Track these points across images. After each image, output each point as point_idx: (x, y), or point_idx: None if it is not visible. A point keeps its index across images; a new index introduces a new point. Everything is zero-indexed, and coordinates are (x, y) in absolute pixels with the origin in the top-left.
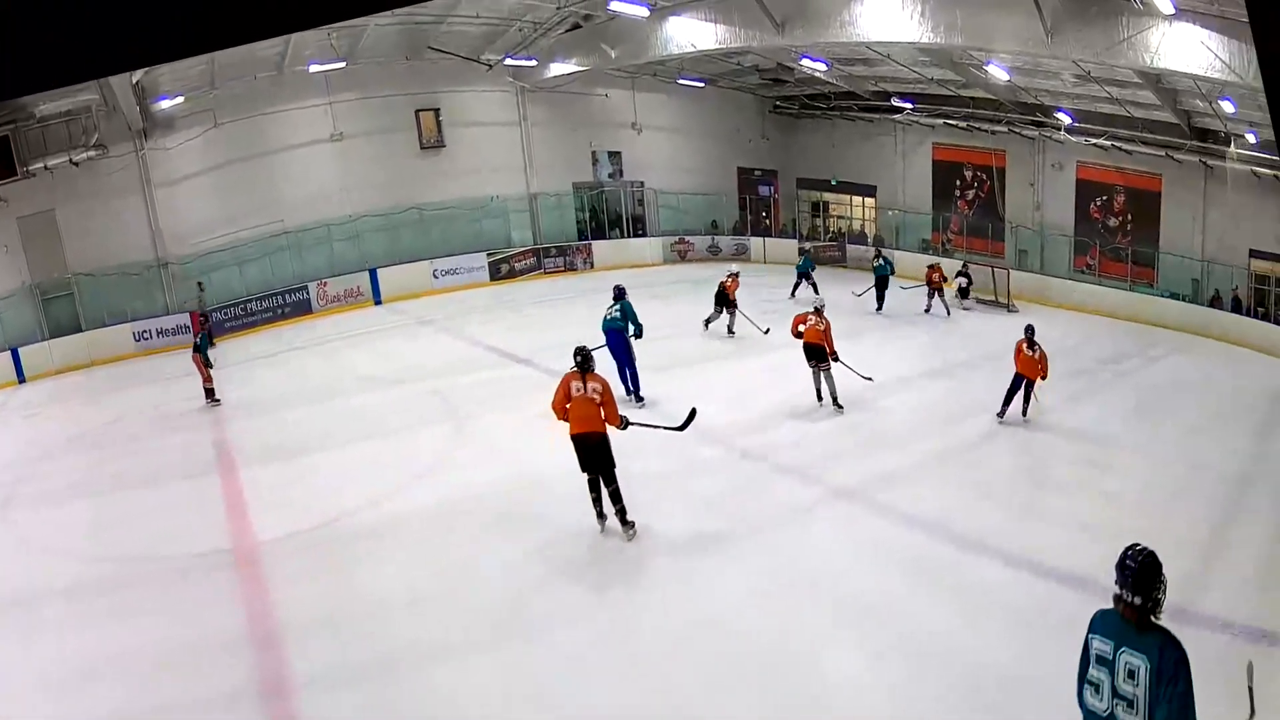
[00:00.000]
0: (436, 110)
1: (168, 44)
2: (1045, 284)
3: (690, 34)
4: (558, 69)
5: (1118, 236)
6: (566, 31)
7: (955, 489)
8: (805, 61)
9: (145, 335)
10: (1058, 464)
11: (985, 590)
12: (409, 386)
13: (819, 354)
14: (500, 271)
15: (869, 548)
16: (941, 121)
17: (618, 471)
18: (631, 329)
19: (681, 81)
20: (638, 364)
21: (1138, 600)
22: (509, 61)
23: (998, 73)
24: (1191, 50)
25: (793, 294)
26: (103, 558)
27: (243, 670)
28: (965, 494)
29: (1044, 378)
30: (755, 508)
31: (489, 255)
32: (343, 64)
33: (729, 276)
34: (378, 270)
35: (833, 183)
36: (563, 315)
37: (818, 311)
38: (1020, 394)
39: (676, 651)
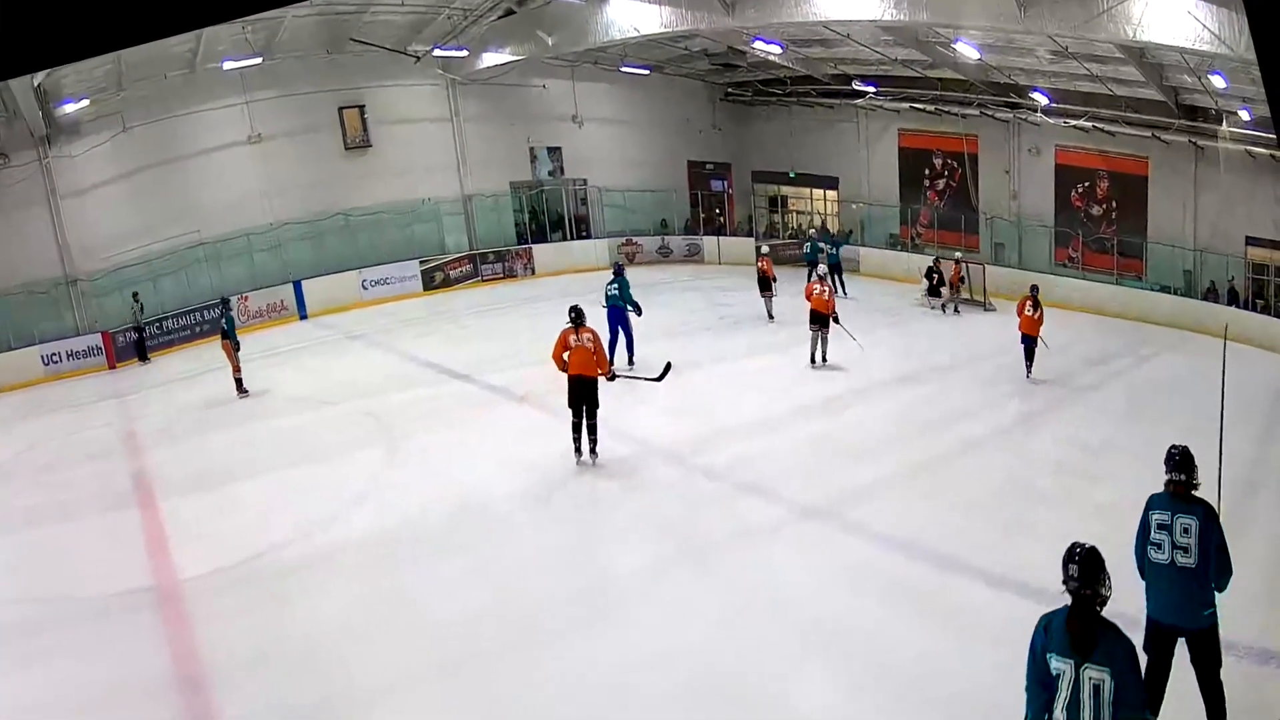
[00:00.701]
0: (361, 107)
1: (69, 43)
2: (1024, 280)
3: (633, 17)
4: (491, 59)
5: (1102, 226)
6: (499, 18)
7: (933, 504)
8: (758, 44)
9: (55, 358)
10: (1044, 474)
11: (968, 613)
12: (339, 407)
13: (823, 320)
14: (434, 280)
15: (841, 570)
16: (907, 106)
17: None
18: (630, 306)
19: (625, 69)
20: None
21: (1183, 478)
22: (438, 52)
23: (967, 51)
24: (1177, 21)
25: (843, 291)
26: (15, 599)
27: (168, 716)
28: (944, 509)
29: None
30: (717, 530)
31: (421, 263)
32: (259, 60)
33: (760, 258)
34: (302, 282)
35: (791, 175)
36: (502, 326)
37: (821, 280)
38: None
39: (636, 684)
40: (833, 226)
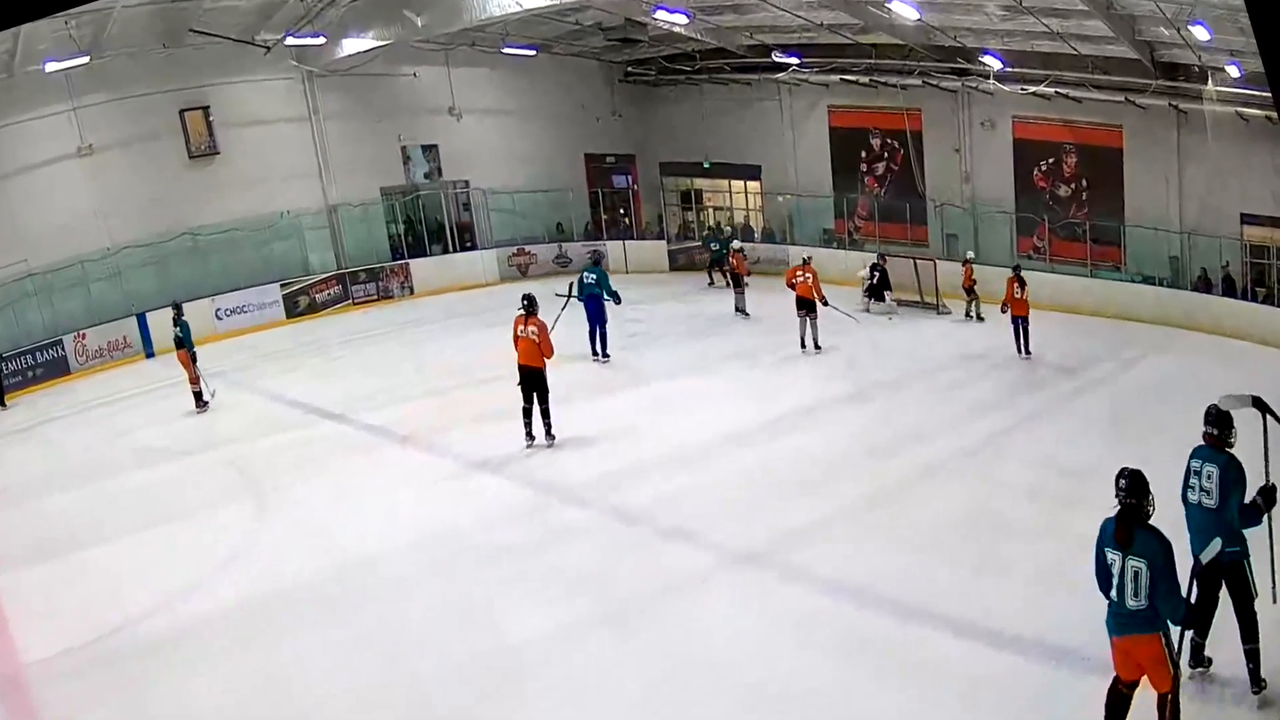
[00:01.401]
0: (206, 109)
1: None
2: (983, 275)
3: None
4: (352, 46)
5: (1071, 209)
6: None
7: (889, 543)
8: (660, 14)
9: None
10: (1017, 503)
11: (934, 669)
12: (198, 457)
13: (809, 305)
14: (298, 306)
15: (784, 624)
16: (837, 79)
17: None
18: (609, 296)
19: (507, 51)
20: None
21: (1215, 432)
22: (291, 41)
23: (904, 10)
24: None
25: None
26: None
27: None
28: (902, 548)
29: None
30: (638, 582)
31: (283, 286)
32: (86, 59)
33: (732, 254)
34: (147, 315)
35: (705, 166)
36: (379, 356)
37: (804, 265)
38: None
39: None
40: (756, 223)
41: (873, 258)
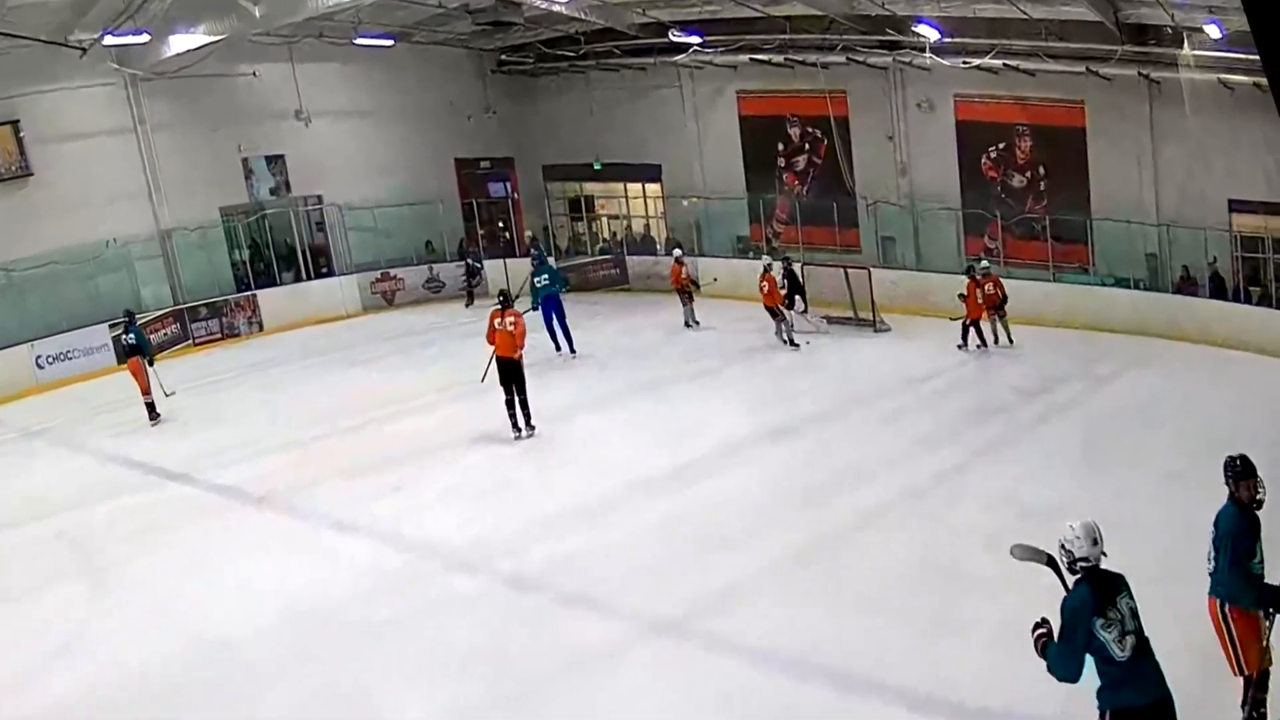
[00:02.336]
0: (15, 123)
1: None
2: (925, 284)
3: None
4: (181, 43)
5: (1027, 202)
6: None
7: (826, 603)
8: None
9: None
10: (973, 551)
11: None
12: (22, 530)
13: (773, 311)
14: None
15: (708, 702)
16: (747, 59)
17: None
18: (562, 286)
19: (361, 42)
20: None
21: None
22: (110, 40)
23: None
24: None
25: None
26: None
27: None
28: (842, 609)
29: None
30: (537, 659)
31: (112, 327)
32: None
33: (675, 261)
34: None
35: (596, 167)
36: (227, 404)
37: (765, 273)
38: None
39: None
40: (658, 231)
41: (775, 263)
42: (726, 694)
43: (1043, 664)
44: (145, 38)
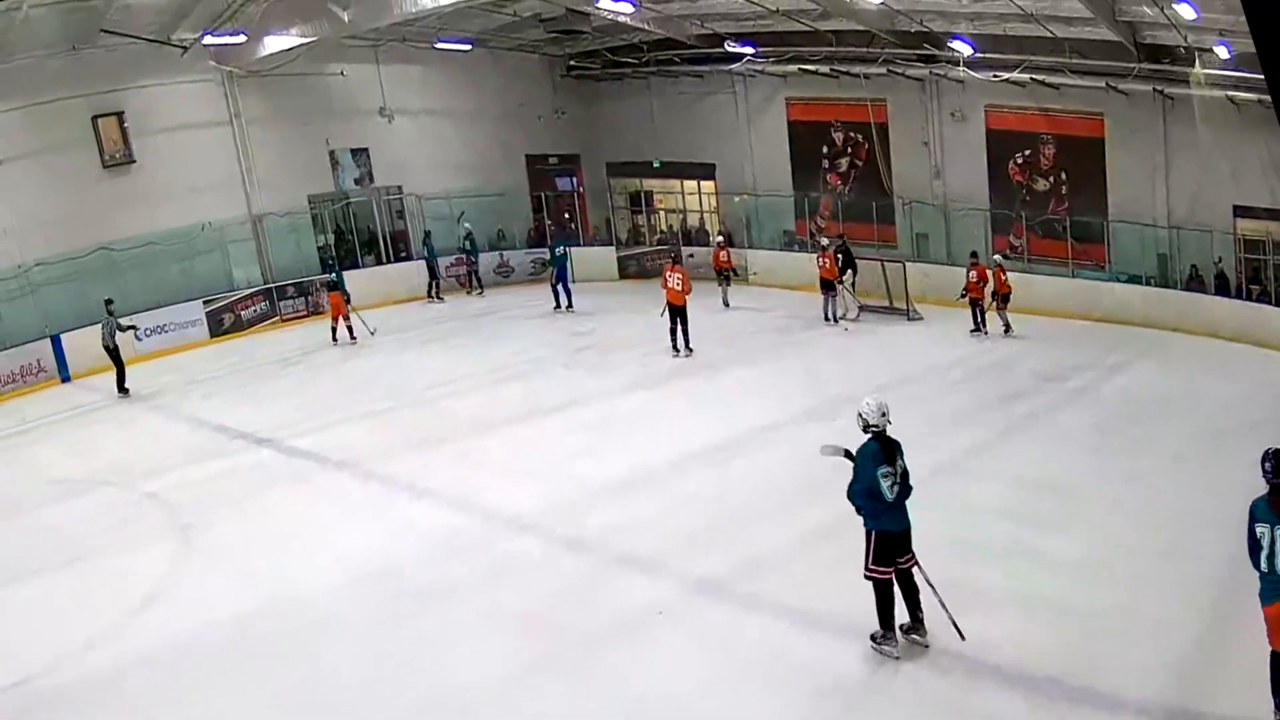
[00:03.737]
0: (120, 114)
1: None
2: (956, 278)
3: None
4: (275, 44)
5: (1050, 204)
6: None
7: (854, 570)
8: (604, 2)
9: None
10: (992, 526)
11: (910, 703)
12: (116, 490)
13: (830, 285)
14: (223, 324)
15: (748, 659)
16: (796, 69)
17: None
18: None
19: (441, 46)
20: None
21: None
22: (209, 40)
23: None
24: None
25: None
26: None
27: None
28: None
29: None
30: (590, 619)
31: (206, 303)
32: None
33: (717, 246)
34: (61, 336)
35: (655, 165)
36: (311, 375)
37: (824, 249)
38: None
39: None
40: (711, 225)
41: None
42: (763, 652)
43: (1052, 635)
44: (242, 38)
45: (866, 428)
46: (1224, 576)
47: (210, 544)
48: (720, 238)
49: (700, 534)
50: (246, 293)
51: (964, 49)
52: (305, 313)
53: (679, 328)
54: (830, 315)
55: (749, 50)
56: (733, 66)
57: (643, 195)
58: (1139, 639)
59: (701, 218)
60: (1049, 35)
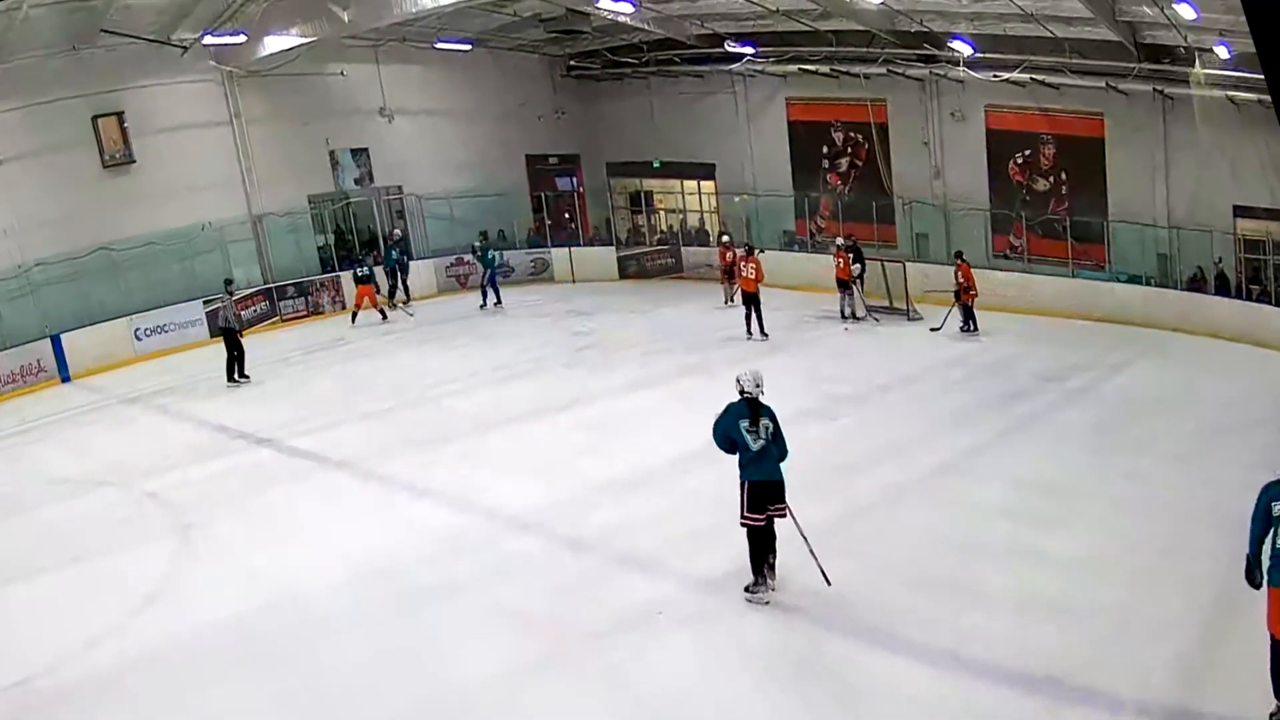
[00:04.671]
0: (120, 114)
1: None
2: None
3: None
4: (275, 44)
5: (1050, 204)
6: None
7: (854, 568)
8: (604, 2)
9: None
10: (992, 524)
11: (907, 701)
12: (116, 490)
13: (846, 284)
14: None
15: (743, 657)
16: (796, 69)
17: None
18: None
19: (441, 46)
20: None
21: None
22: (209, 40)
23: None
24: None
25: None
26: None
27: None
28: (867, 574)
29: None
30: (591, 617)
31: (206, 303)
32: None
33: (722, 245)
34: (61, 336)
35: (655, 165)
36: (311, 376)
37: (838, 249)
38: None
39: None
40: (711, 225)
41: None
42: (759, 646)
43: (1051, 634)
44: (242, 38)
45: (741, 392)
46: (1224, 575)
47: (211, 543)
48: (725, 237)
49: (701, 533)
50: (247, 293)
51: (964, 49)
52: (305, 313)
53: (753, 314)
54: (850, 313)
55: (749, 50)
56: (733, 66)
57: (643, 195)
58: (1139, 638)
59: (701, 218)
60: (1049, 35)
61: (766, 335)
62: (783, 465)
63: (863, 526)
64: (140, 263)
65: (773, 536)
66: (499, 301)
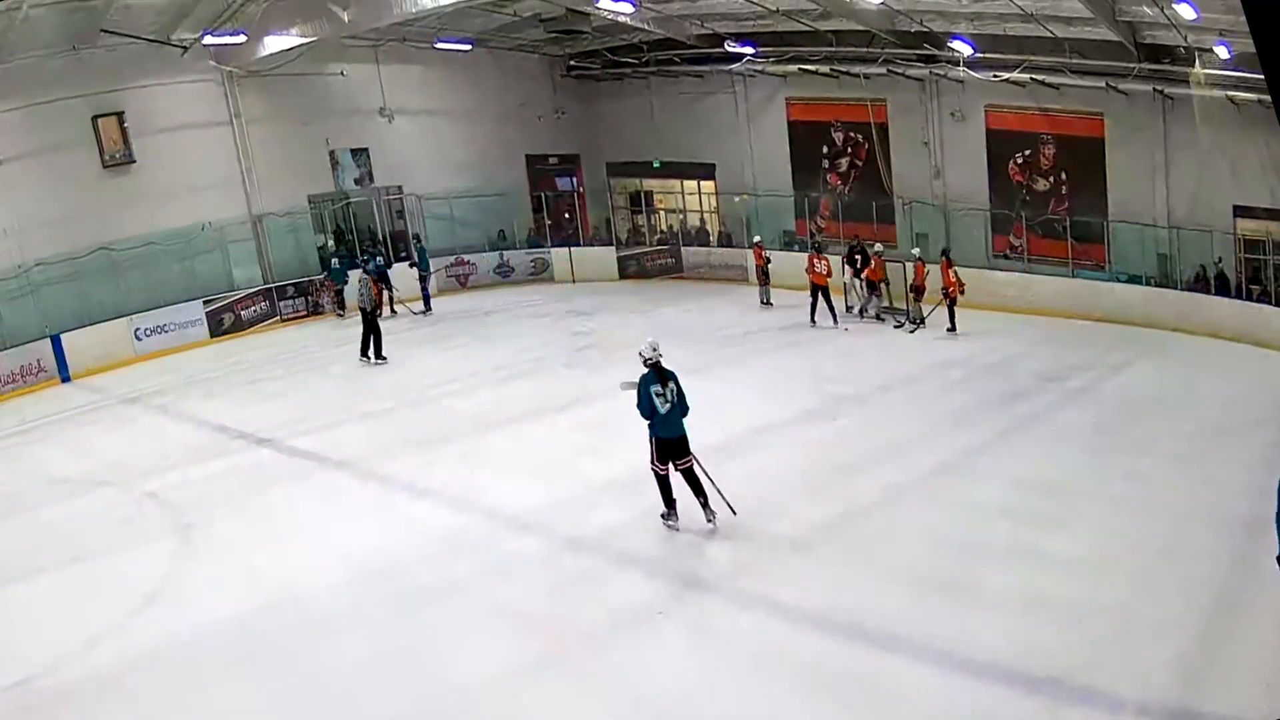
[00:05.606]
0: (120, 114)
1: None
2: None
3: None
4: (275, 44)
5: (1050, 204)
6: None
7: (854, 568)
8: (604, 2)
9: None
10: (993, 524)
11: (907, 701)
12: (116, 490)
13: (875, 285)
14: (223, 324)
15: (744, 657)
16: (796, 69)
17: None
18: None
19: (441, 46)
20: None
21: None
22: (209, 40)
23: None
24: None
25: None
26: None
27: None
28: (868, 574)
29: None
30: (591, 617)
31: (206, 303)
32: None
33: (756, 245)
34: (61, 336)
35: (655, 165)
36: (311, 377)
37: (879, 255)
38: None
39: None
40: (711, 225)
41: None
42: (762, 650)
43: (1052, 634)
44: (242, 38)
45: (645, 362)
46: (1224, 575)
47: (211, 543)
48: (758, 238)
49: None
50: (246, 293)
51: (964, 49)
52: (305, 313)
53: (818, 303)
54: (872, 313)
55: (749, 50)
56: (733, 66)
57: (643, 195)
58: (1139, 638)
59: (702, 218)
60: (1049, 35)
61: (837, 323)
62: (685, 420)
63: (863, 526)
64: (140, 263)
65: (696, 481)
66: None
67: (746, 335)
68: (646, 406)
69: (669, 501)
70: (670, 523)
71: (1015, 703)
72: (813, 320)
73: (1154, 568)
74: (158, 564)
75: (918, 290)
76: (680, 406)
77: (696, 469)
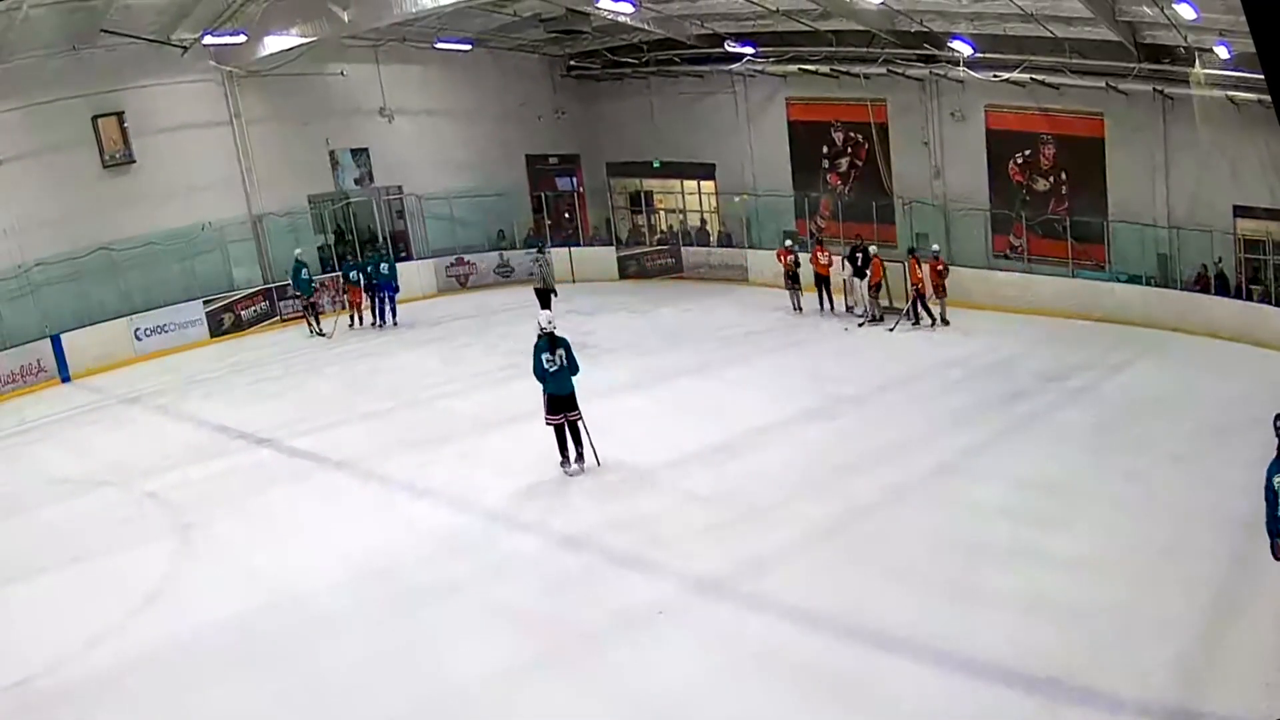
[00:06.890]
0: (120, 114)
1: None
2: (955, 277)
3: None
4: (275, 44)
5: (1050, 204)
6: None
7: (855, 569)
8: (604, 2)
9: None
10: (994, 525)
11: (908, 703)
12: (116, 490)
13: (878, 286)
14: (223, 324)
15: (745, 659)
16: (796, 69)
17: None
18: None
19: (441, 46)
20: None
21: None
22: (209, 40)
23: None
24: None
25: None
26: None
27: None
28: (869, 575)
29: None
30: (589, 617)
31: (206, 303)
32: None
33: (782, 250)
34: (61, 336)
35: (655, 165)
36: (310, 376)
37: (786, 248)
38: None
39: None
40: (711, 225)
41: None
42: (761, 651)
43: (1052, 634)
44: (242, 38)
45: (540, 332)
46: (1224, 575)
47: (211, 543)
48: (788, 241)
49: (701, 532)
50: (246, 293)
51: (964, 49)
52: (305, 313)
53: (825, 293)
54: (876, 314)
55: (749, 50)
56: (733, 66)
57: (643, 195)
58: (1139, 638)
59: (702, 218)
60: (1049, 35)
61: (851, 309)
62: (575, 379)
63: (863, 526)
64: (140, 263)
65: (577, 435)
66: (394, 321)
67: (747, 335)
68: (539, 369)
69: (563, 451)
70: (567, 469)
71: (1015, 703)
72: (821, 308)
73: (1154, 568)
74: (158, 564)
75: (876, 287)
76: (571, 368)
77: (581, 425)
